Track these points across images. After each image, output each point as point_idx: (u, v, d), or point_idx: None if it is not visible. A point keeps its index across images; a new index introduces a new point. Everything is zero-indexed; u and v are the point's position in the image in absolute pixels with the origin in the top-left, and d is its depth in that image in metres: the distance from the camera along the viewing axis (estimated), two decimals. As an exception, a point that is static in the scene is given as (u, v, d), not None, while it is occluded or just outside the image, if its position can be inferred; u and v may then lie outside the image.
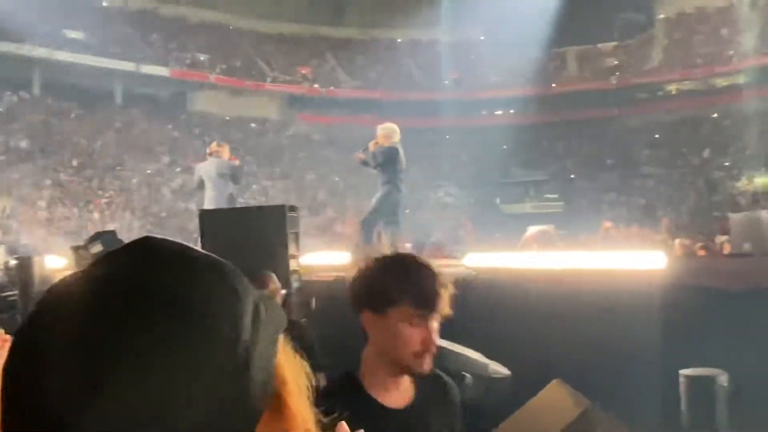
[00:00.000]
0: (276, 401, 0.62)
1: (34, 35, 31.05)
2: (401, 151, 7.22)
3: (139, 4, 38.55)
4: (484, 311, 3.57)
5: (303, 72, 40.79)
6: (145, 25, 36.98)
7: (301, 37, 43.18)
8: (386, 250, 1.67)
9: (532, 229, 11.77)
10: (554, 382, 2.30)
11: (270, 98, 39.14)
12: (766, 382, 2.48)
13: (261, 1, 41.17)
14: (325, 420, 0.68)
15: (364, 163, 7.59)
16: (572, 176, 36.51)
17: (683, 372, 2.24)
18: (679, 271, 3.26)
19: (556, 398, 2.31)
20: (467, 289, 4.08)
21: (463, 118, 38.52)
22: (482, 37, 42.77)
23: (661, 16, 40.73)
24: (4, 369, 0.53)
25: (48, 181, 27.21)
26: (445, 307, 1.55)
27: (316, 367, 2.59)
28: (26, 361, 0.52)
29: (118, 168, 30.31)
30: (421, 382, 1.64)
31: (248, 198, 29.15)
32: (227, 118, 37.61)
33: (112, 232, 6.05)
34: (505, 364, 2.41)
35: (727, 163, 32.00)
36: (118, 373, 0.50)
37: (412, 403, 1.63)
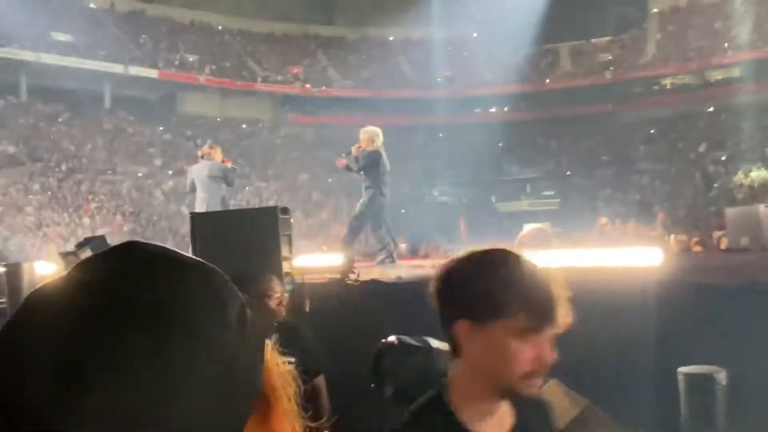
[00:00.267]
0: (263, 407, 0.61)
1: (21, 38, 30.91)
2: (384, 155, 7.22)
3: (127, 5, 38.45)
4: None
5: (294, 72, 40.74)
6: (133, 27, 36.89)
7: (292, 36, 43.16)
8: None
9: (528, 227, 11.83)
10: (551, 382, 2.30)
11: (261, 99, 39.09)
12: (764, 379, 2.48)
13: (250, 1, 41.13)
14: (312, 425, 0.68)
15: (347, 167, 7.60)
16: (568, 173, 36.61)
17: (681, 370, 2.24)
18: (676, 268, 3.26)
19: (553, 398, 2.30)
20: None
21: (456, 116, 38.58)
22: (475, 34, 42.84)
23: (655, 10, 40.91)
24: None
25: (36, 186, 27.09)
26: (563, 318, 1.30)
27: (313, 369, 2.56)
28: (8, 364, 0.52)
29: (108, 172, 30.21)
30: (522, 406, 1.40)
31: (241, 200, 29.10)
32: (218, 119, 37.55)
33: (102, 238, 6.02)
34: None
35: (723, 158, 32.13)
36: (99, 377, 0.50)
37: None
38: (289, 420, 0.63)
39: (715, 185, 30.64)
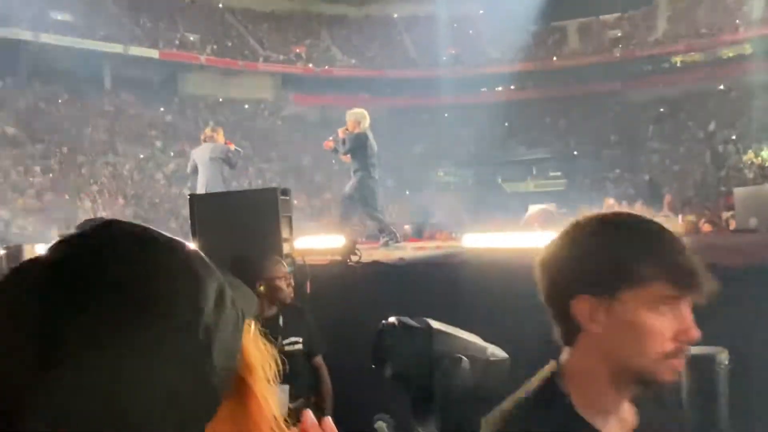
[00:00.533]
0: (241, 387, 0.62)
1: (19, 17, 30.78)
2: (371, 137, 7.19)
3: (126, -17, 38.22)
4: (482, 292, 3.58)
5: (297, 51, 40.52)
6: (133, 6, 36.65)
7: (294, 14, 42.83)
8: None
9: (533, 208, 11.80)
10: (552, 363, 2.30)
11: (263, 79, 38.93)
12: (768, 360, 2.48)
13: (252, -22, 40.82)
14: (291, 406, 0.68)
15: (335, 150, 7.58)
16: (575, 153, 36.46)
17: (683, 351, 2.25)
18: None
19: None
20: (464, 270, 4.08)
21: (462, 96, 38.36)
22: (481, 11, 42.43)
23: (665, -15, 40.40)
24: None
25: (37, 169, 27.16)
26: (706, 285, 1.10)
27: (314, 350, 2.59)
28: None
29: (110, 154, 30.24)
30: (645, 404, 1.19)
31: (244, 181, 29.12)
32: (220, 99, 37.46)
33: (101, 220, 6.05)
34: (502, 347, 2.41)
35: (733, 137, 31.91)
36: (71, 355, 0.51)
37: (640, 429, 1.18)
38: (267, 402, 0.64)
39: (725, 165, 30.47)
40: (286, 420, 0.66)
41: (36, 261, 0.57)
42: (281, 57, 39.70)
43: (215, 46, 37.98)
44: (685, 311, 1.12)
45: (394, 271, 4.68)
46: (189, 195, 4.53)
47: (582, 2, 39.92)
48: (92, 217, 19.27)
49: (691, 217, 9.96)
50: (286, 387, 3.21)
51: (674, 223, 9.22)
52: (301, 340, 3.43)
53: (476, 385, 2.34)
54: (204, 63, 36.95)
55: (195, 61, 36.72)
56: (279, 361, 0.67)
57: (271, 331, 2.70)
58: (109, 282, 0.54)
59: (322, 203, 29.20)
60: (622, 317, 1.10)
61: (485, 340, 2.36)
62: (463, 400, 2.45)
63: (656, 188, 22.75)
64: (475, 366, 2.36)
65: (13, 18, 30.63)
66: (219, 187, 7.19)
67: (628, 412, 1.19)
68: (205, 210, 4.32)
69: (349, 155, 7.24)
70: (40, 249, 5.76)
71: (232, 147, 7.77)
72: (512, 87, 40.76)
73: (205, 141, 7.71)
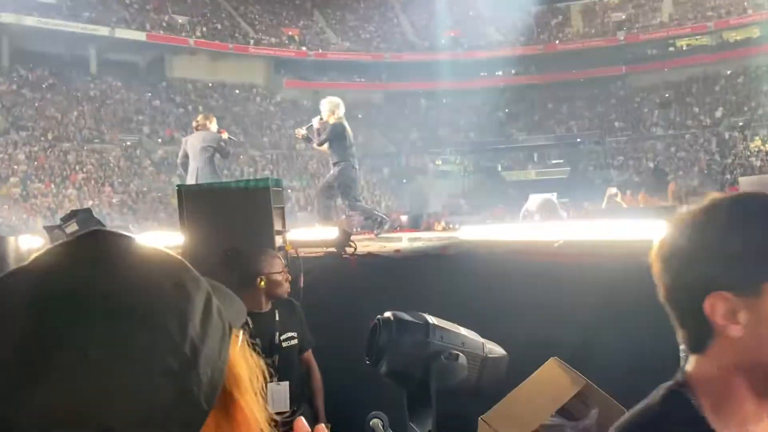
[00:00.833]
0: (228, 400, 0.62)
1: (1, 0, 30.54)
2: (347, 126, 7.13)
3: (112, -37, 37.91)
4: (479, 287, 3.60)
5: (289, 34, 40.31)
6: (119, -14, 36.40)
7: (287, -5, 42.60)
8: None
9: (533, 198, 11.79)
10: (551, 360, 2.32)
11: (255, 62, 38.76)
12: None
13: (242, -42, 40.53)
14: (279, 419, 0.69)
15: (307, 139, 7.51)
16: (578, 140, 36.48)
17: (685, 348, 2.26)
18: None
19: (552, 377, 2.33)
20: (462, 264, 4.10)
21: (461, 80, 38.28)
22: (481, -8, 42.25)
23: (672, -35, 40.27)
24: None
25: (21, 156, 27.05)
26: None
27: (304, 345, 2.59)
28: None
29: (96, 141, 30.13)
30: None
31: (235, 170, 29.07)
32: (209, 84, 37.30)
33: (88, 210, 6.02)
34: (500, 342, 2.42)
35: (740, 123, 31.95)
36: (55, 369, 0.52)
37: None
38: (254, 414, 0.64)
39: (732, 152, 30.51)
40: (276, 424, 0.67)
41: (22, 272, 0.58)
42: (273, 40, 39.50)
43: (205, 29, 37.76)
44: None
45: (389, 263, 4.69)
46: (177, 186, 4.52)
47: (585, -17, 39.83)
48: (78, 207, 19.25)
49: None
50: (286, 384, 3.22)
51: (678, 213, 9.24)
52: (296, 335, 3.45)
53: (473, 382, 2.36)
54: (193, 46, 36.76)
55: (184, 44, 36.53)
56: (266, 374, 0.68)
57: (268, 327, 2.69)
58: (95, 294, 0.55)
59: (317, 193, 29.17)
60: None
61: (483, 336, 2.37)
62: (460, 396, 2.47)
63: (661, 176, 22.77)
64: (472, 363, 2.37)
65: (-6, 0, 30.41)
66: (210, 178, 7.14)
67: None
68: (195, 201, 4.31)
69: (325, 146, 7.19)
70: (25, 240, 5.70)
71: (225, 135, 7.69)
72: (513, 71, 40.64)
73: (197, 129, 7.63)
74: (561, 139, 36.97)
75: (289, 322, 3.41)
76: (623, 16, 39.95)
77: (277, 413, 0.70)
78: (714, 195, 1.06)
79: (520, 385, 2.37)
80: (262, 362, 0.67)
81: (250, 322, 3.21)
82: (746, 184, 7.72)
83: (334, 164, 7.11)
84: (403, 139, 37.93)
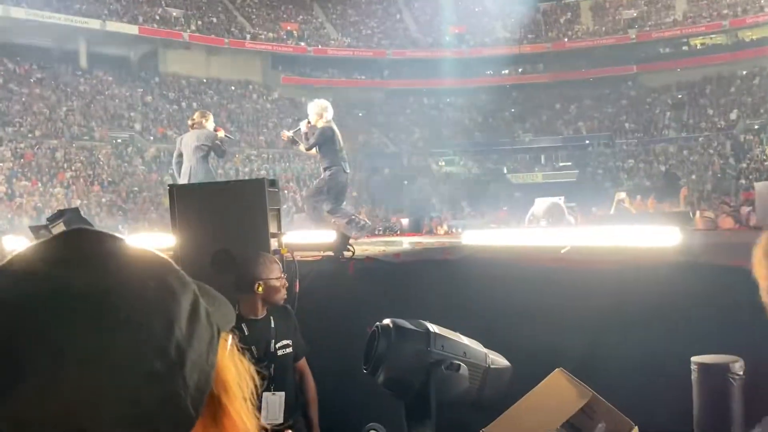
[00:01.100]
0: (216, 406, 0.62)
1: (-13, -10, 30.64)
2: (336, 129, 7.17)
3: (104, -47, 37.99)
4: (482, 294, 3.59)
5: (288, 28, 40.37)
6: (111, -23, 36.47)
7: (286, -12, 42.67)
8: None
9: (540, 201, 11.81)
10: (556, 371, 2.32)
11: (251, 58, 38.80)
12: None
13: (240, -51, 40.60)
14: (268, 427, 0.69)
15: (293, 141, 7.54)
16: (587, 142, 36.50)
17: (695, 359, 2.26)
18: (696, 247, 3.27)
19: (557, 389, 2.33)
20: (464, 269, 4.10)
21: (466, 78, 38.32)
22: (487, -13, 42.33)
23: (686, -39, 40.33)
24: None
25: (8, 153, 27.06)
26: None
27: (299, 353, 2.58)
28: None
29: (85, 138, 30.14)
30: None
31: (230, 169, 29.07)
32: (204, 80, 37.34)
33: (75, 210, 6.02)
34: (504, 351, 2.42)
35: (756, 126, 31.95)
36: (33, 372, 0.52)
37: None
38: (243, 421, 0.64)
39: (747, 156, 30.51)
40: None
41: (4, 270, 0.58)
42: (271, 35, 39.56)
43: (200, 22, 37.82)
44: None
45: (389, 268, 4.69)
46: (169, 185, 4.51)
47: (596, -21, 39.89)
48: (65, 206, 19.25)
49: (709, 213, 9.97)
50: (282, 394, 3.22)
51: (689, 219, 9.25)
52: (291, 342, 3.45)
53: (475, 393, 2.36)
54: (187, 40, 36.81)
55: (177, 38, 36.58)
56: (256, 379, 0.67)
57: (263, 334, 2.69)
58: (77, 294, 0.55)
59: (314, 193, 29.13)
60: None
61: (486, 345, 2.37)
62: (461, 408, 2.47)
63: (673, 180, 22.80)
64: (474, 374, 2.37)
65: (-19, -10, 30.48)
66: (203, 178, 7.13)
67: None
68: (187, 201, 4.31)
69: (314, 150, 7.23)
70: (9, 240, 5.69)
71: (222, 133, 7.66)
72: (520, 70, 40.69)
73: (192, 127, 7.60)
74: (569, 141, 36.98)
75: (284, 329, 3.42)
76: (635, 14, 39.99)
77: (270, 423, 0.70)
78: None
79: (523, 398, 2.37)
80: (252, 368, 0.67)
81: (245, 328, 3.21)
82: (762, 189, 7.72)
83: (325, 169, 7.14)
84: (404, 138, 37.95)
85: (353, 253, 5.07)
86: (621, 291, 2.95)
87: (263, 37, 39.15)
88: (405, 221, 17.36)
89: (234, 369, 0.65)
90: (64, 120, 30.40)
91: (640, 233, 3.60)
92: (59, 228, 5.40)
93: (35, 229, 6.09)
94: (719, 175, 29.81)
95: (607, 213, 12.81)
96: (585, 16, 41.84)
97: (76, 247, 0.59)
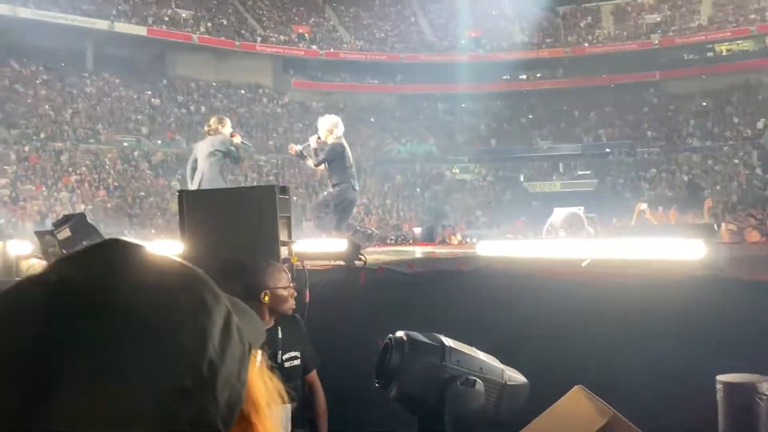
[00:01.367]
0: (245, 424, 0.63)
1: (-6, -11, 31.03)
2: (347, 146, 7.22)
3: (113, -47, 38.41)
4: (498, 308, 3.59)
5: (299, 31, 40.60)
6: (120, -22, 36.84)
7: (298, -10, 42.93)
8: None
9: (558, 212, 11.79)
10: (575, 388, 2.31)
11: (262, 61, 39.03)
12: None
13: (251, -51, 40.91)
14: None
15: (300, 156, 7.58)
16: (607, 150, 36.38)
17: (720, 378, 2.25)
18: (721, 261, 3.25)
19: (576, 407, 2.32)
20: (480, 281, 4.09)
21: (482, 83, 38.35)
22: (505, -10, 42.38)
23: (711, -36, 40.22)
24: None
25: (12, 156, 27.34)
26: None
27: (309, 366, 2.59)
28: None
29: (91, 141, 30.40)
30: None
31: (239, 174, 29.19)
32: (213, 83, 37.59)
33: (82, 215, 6.07)
34: (521, 368, 2.42)
35: (784, 135, 31.73)
36: (67, 385, 0.52)
37: None
38: None
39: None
40: None
41: (36, 280, 0.59)
42: (282, 37, 39.79)
43: (209, 24, 38.11)
44: None
45: (402, 278, 4.70)
46: (178, 191, 4.55)
47: (618, -18, 39.86)
48: (70, 210, 19.41)
49: (734, 225, 9.91)
50: (288, 406, 3.22)
51: (714, 231, 9.18)
52: (299, 354, 3.46)
53: (491, 410, 2.36)
54: (197, 42, 37.08)
55: (187, 40, 36.87)
56: (285, 397, 0.68)
57: (270, 345, 2.69)
58: (110, 308, 0.56)
59: (324, 200, 29.19)
60: None
61: (502, 361, 2.37)
62: (476, 425, 2.46)
63: (696, 191, 22.67)
64: (490, 390, 2.37)
65: (-12, -10, 30.87)
66: (213, 184, 7.16)
67: None
68: (196, 207, 4.35)
69: (323, 166, 7.30)
70: (13, 246, 5.74)
71: (237, 139, 7.67)
72: (538, 75, 40.65)
73: (209, 133, 7.62)
74: (588, 149, 36.85)
75: (292, 340, 3.42)
76: (658, 18, 39.88)
77: None
78: None
79: (541, 415, 2.36)
80: (281, 385, 0.68)
81: None
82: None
83: (333, 185, 7.19)
84: (418, 144, 37.99)
85: (365, 262, 5.08)
86: (643, 306, 2.94)
87: (274, 39, 39.38)
88: (417, 230, 17.36)
89: (263, 387, 0.66)
90: (69, 122, 30.69)
91: (663, 246, 3.59)
92: (65, 233, 5.46)
93: (40, 234, 6.15)
94: (745, 186, 29.59)
95: (627, 224, 12.76)
96: (606, 20, 41.79)
97: (107, 260, 0.60)
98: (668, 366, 2.71)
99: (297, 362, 3.41)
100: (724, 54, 38.17)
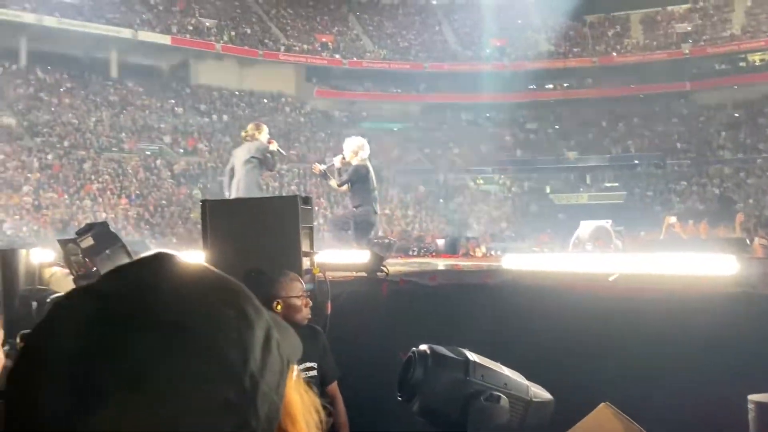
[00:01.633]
0: None
1: (21, -1, 31.68)
2: (371, 168, 7.24)
3: (138, -38, 39.04)
4: (524, 322, 3.58)
5: (323, 40, 40.88)
6: (144, -14, 37.41)
7: (321, -1, 43.27)
8: None
9: (586, 224, 11.70)
10: (602, 405, 2.30)
11: (285, 70, 39.34)
12: None
13: (275, -42, 41.34)
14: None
15: (323, 176, 7.63)
16: (636, 162, 36.08)
17: (752, 398, 2.22)
18: (753, 278, 3.21)
19: (603, 425, 2.30)
20: (505, 295, 4.09)
21: (507, 93, 38.27)
22: (531, -2, 42.34)
23: (744, -28, 39.84)
24: (10, 370, 0.60)
25: (35, 164, 27.79)
26: None
27: (328, 377, 2.62)
28: (28, 371, 0.58)
29: (114, 149, 30.81)
30: None
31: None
32: (236, 92, 37.94)
33: (105, 224, 6.16)
34: (546, 384, 2.40)
35: (820, 147, 31.25)
36: (113, 396, 0.54)
37: None
38: None
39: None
40: None
41: (87, 293, 0.62)
42: (305, 46, 40.09)
43: (233, 33, 38.52)
44: None
45: (424, 291, 4.70)
46: (201, 201, 4.62)
47: (647, -10, 39.64)
48: (92, 219, 19.68)
49: (766, 241, 9.77)
50: None
51: (747, 246, 9.06)
52: (315, 365, 3.46)
53: (515, 427, 2.35)
54: (220, 51, 37.51)
55: (210, 49, 37.30)
56: (321, 412, 0.70)
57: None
58: (157, 321, 0.58)
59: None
60: None
61: (527, 377, 2.36)
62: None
63: (728, 204, 22.38)
64: (514, 406, 2.36)
65: (15, -1, 31.52)
66: (249, 192, 7.29)
67: None
68: (219, 217, 4.40)
69: (346, 186, 7.34)
70: (36, 253, 5.85)
71: (274, 146, 7.76)
72: (565, 85, 40.49)
73: (246, 140, 7.74)
74: (617, 160, 36.57)
75: (309, 351, 3.42)
76: (689, 27, 39.56)
77: None
78: None
79: (566, 432, 2.35)
80: (316, 399, 0.70)
81: None
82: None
83: (355, 207, 7.21)
84: (441, 155, 37.97)
85: (387, 273, 5.09)
86: (672, 322, 2.92)
87: (297, 48, 39.68)
88: (440, 242, 17.34)
89: (300, 401, 0.68)
90: (93, 131, 31.14)
91: (693, 261, 3.56)
92: (88, 242, 5.53)
93: (63, 243, 6.24)
94: (779, 200, 29.16)
95: (656, 238, 12.63)
96: (635, 29, 41.54)
97: (154, 273, 0.63)
98: (698, 384, 2.68)
99: (313, 373, 3.41)
100: (757, 64, 37.74)
